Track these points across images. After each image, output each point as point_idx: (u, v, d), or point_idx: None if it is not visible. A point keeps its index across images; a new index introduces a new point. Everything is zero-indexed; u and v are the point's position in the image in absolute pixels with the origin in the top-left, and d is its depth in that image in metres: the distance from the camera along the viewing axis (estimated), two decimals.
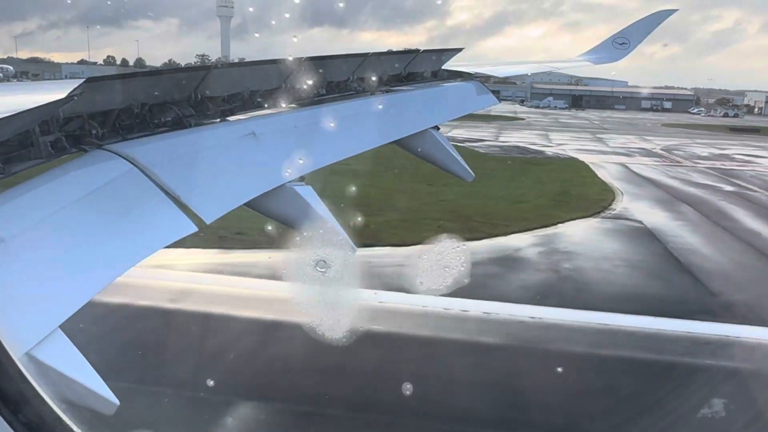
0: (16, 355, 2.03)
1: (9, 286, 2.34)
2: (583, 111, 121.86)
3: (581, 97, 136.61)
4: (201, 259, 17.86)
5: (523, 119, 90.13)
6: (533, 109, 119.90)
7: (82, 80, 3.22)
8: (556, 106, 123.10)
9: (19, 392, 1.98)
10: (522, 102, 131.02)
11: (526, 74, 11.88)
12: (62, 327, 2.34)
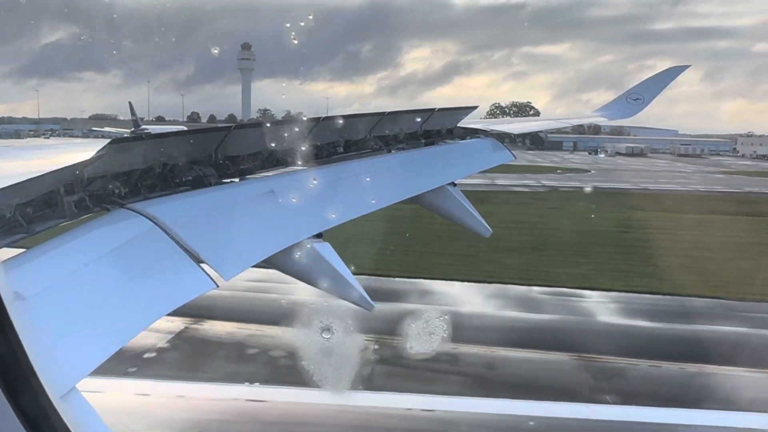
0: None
1: (28, 344, 2.34)
2: None
3: None
4: None
5: None
6: None
7: (108, 141, 3.32)
8: None
9: None
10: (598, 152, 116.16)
11: (541, 131, 11.96)
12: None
